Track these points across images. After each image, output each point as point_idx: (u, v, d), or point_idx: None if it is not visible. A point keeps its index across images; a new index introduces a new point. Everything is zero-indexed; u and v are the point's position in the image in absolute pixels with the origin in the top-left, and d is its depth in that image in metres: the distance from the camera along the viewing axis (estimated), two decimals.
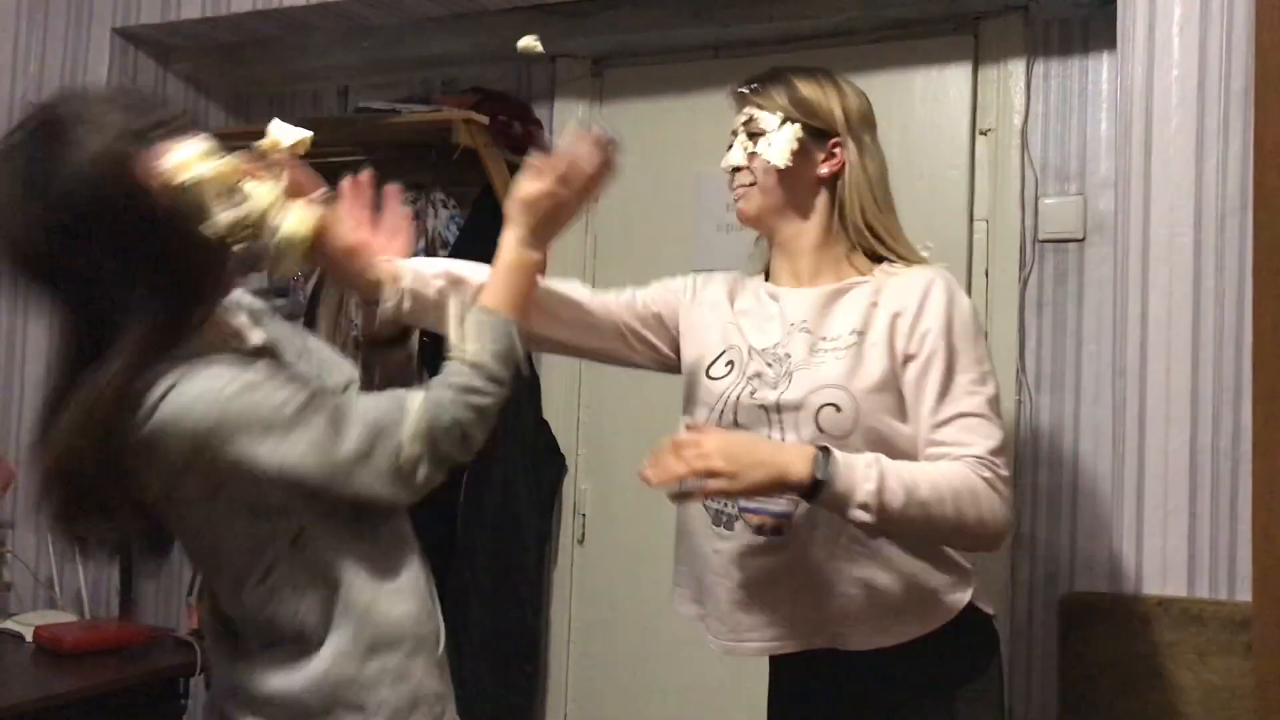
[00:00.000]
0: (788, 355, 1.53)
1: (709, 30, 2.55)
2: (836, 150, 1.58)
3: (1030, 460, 2.30)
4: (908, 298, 1.50)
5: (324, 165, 2.82)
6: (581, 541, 2.70)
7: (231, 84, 3.06)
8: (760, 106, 1.60)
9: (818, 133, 1.58)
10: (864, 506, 1.36)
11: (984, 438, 1.44)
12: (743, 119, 1.61)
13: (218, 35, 2.79)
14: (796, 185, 1.58)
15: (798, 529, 1.47)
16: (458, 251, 2.67)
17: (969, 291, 2.26)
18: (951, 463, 1.43)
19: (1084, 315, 2.29)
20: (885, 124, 2.40)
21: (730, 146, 1.62)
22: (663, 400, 2.52)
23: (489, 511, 2.59)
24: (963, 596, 1.51)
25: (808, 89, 1.60)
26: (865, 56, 2.43)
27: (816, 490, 1.37)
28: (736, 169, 1.61)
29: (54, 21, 2.85)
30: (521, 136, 2.63)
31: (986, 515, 1.41)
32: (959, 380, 1.47)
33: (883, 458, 1.40)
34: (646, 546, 2.51)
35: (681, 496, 1.46)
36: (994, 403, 1.48)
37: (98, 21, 2.80)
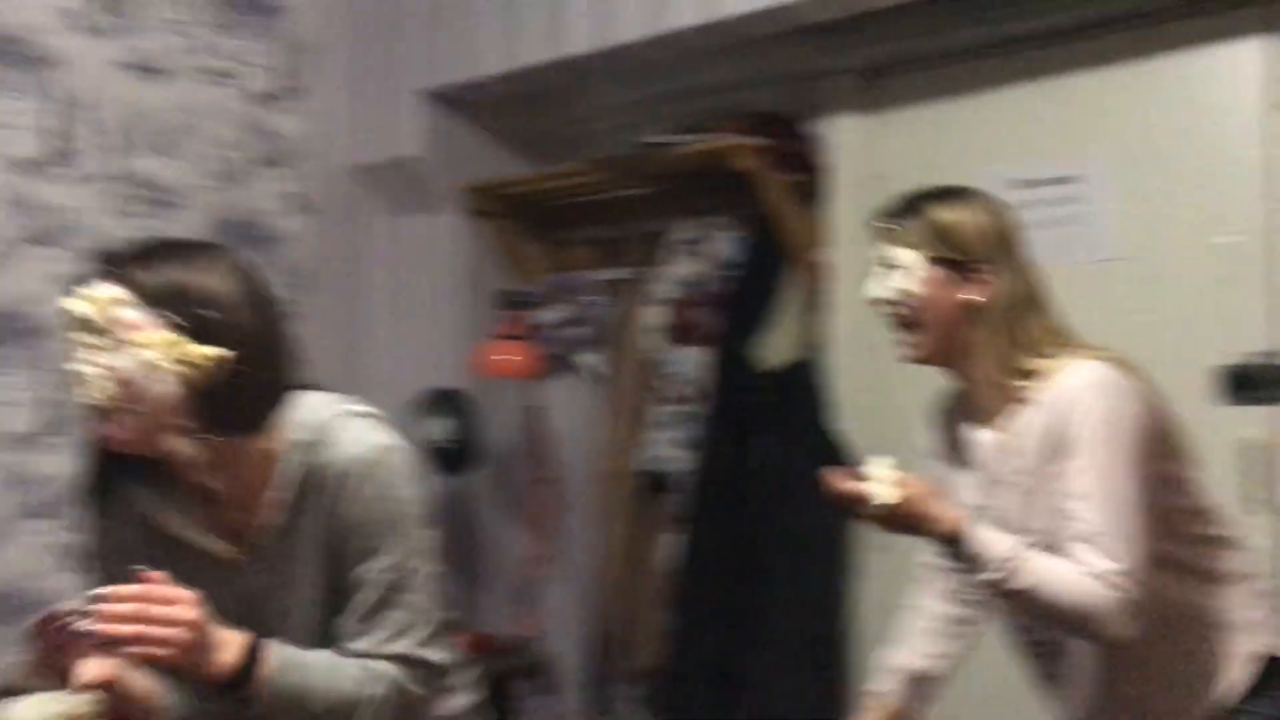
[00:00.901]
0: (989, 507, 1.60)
1: (979, 30, 2.54)
2: (980, 278, 1.58)
3: None
4: (1058, 406, 1.53)
5: (615, 200, 3.06)
6: (884, 548, 2.73)
7: (530, 132, 3.30)
8: (895, 242, 1.62)
9: (956, 263, 1.58)
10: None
11: (1104, 557, 1.46)
12: (880, 252, 1.64)
13: (513, 88, 3.03)
14: (946, 318, 1.59)
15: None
16: (741, 273, 2.78)
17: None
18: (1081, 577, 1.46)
19: None
20: (1167, 108, 2.33)
21: (872, 277, 1.66)
22: None
23: (786, 522, 2.66)
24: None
25: (942, 217, 1.60)
26: (1141, 41, 2.36)
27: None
28: (888, 302, 1.64)
29: (369, 86, 3.17)
30: (797, 156, 2.71)
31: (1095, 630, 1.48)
32: (1085, 490, 1.49)
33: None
34: None
35: None
36: (1119, 511, 1.47)
37: (409, 84, 3.10)
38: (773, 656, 2.60)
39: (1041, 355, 1.57)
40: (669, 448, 2.90)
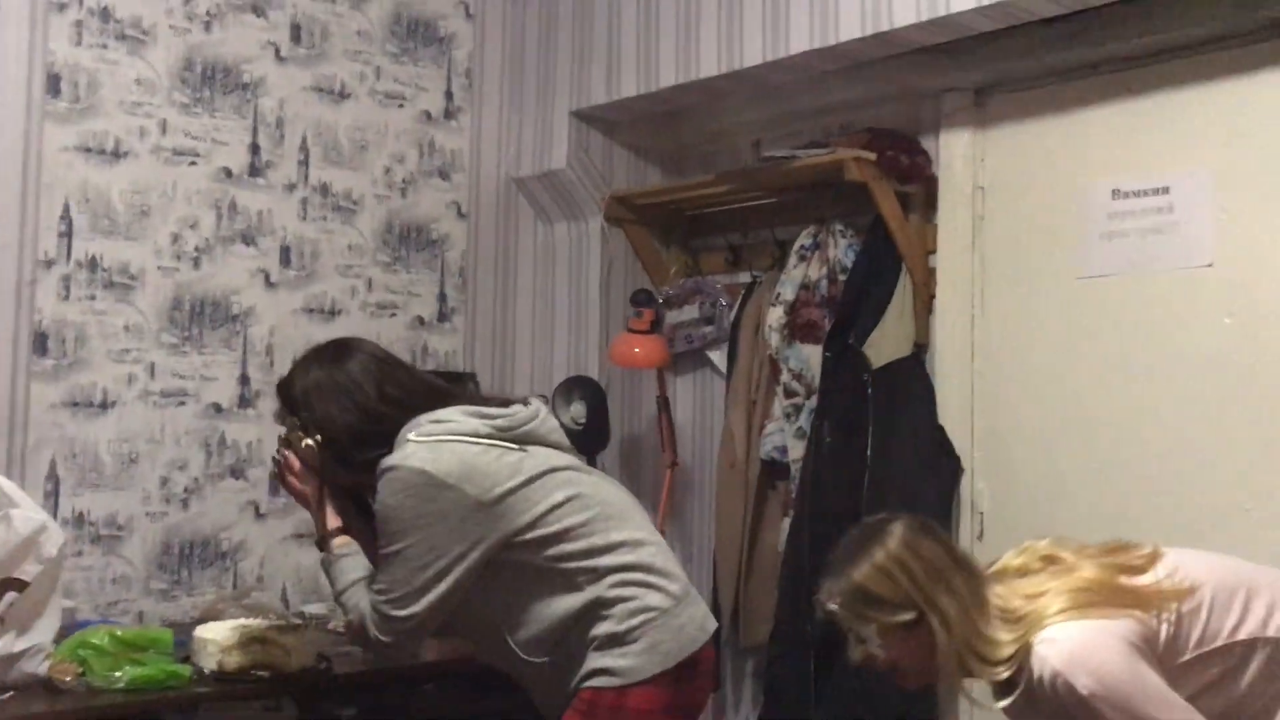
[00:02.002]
0: None
1: (1085, 50, 2.69)
2: (929, 621, 1.78)
3: None
4: (1048, 697, 1.72)
5: (741, 209, 3.31)
6: (980, 538, 2.90)
7: (665, 147, 3.58)
8: (845, 626, 1.85)
9: (905, 623, 1.79)
10: None
11: None
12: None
13: (651, 107, 3.32)
14: (921, 660, 1.80)
15: None
16: (855, 275, 2.99)
17: None
18: None
19: None
20: (1261, 121, 2.42)
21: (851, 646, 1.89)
22: (1059, 405, 2.71)
23: (891, 509, 2.84)
24: None
25: (865, 587, 1.81)
26: (1244, 59, 2.48)
27: None
28: (870, 660, 1.85)
29: (528, 104, 3.51)
30: (908, 168, 2.91)
31: None
32: None
33: None
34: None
35: None
36: None
37: (559, 105, 3.42)
38: None
39: (1011, 629, 1.76)
40: (786, 438, 3.11)
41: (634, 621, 1.97)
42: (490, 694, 2.68)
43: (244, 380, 3.05)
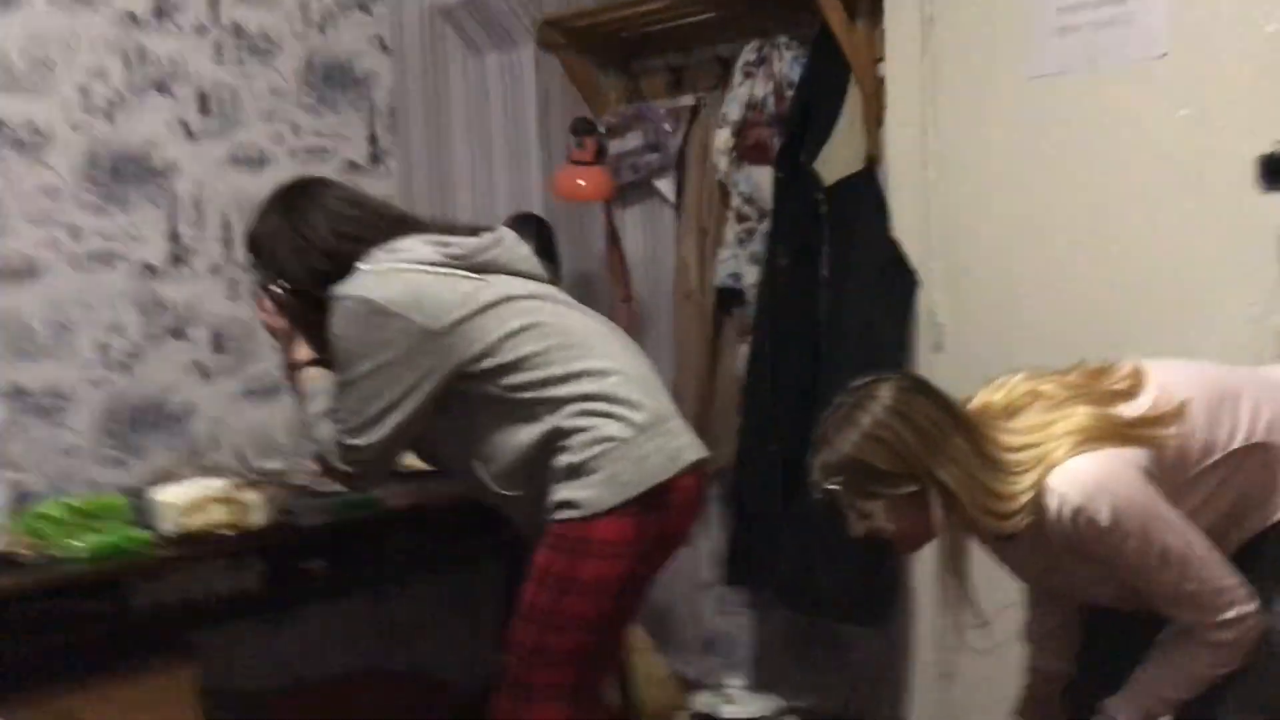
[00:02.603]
0: None
1: None
2: (930, 490, 1.66)
3: None
4: (1067, 533, 1.67)
5: (682, 27, 3.16)
6: (940, 349, 2.89)
7: None
8: (846, 503, 1.71)
9: (910, 494, 1.66)
10: None
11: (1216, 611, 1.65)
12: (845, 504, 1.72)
13: None
14: (928, 528, 1.71)
15: None
16: (802, 90, 2.89)
17: None
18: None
19: None
20: None
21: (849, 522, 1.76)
22: (1014, 211, 2.67)
23: (849, 326, 2.83)
24: None
25: (864, 462, 1.66)
26: None
27: None
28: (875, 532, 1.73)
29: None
30: None
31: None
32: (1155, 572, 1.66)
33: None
34: (1007, 348, 2.65)
35: None
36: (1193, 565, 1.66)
37: None
38: None
39: (1020, 478, 1.67)
40: (740, 264, 3.06)
41: (592, 451, 1.95)
42: (461, 536, 2.68)
43: (174, 238, 2.92)
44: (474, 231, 2.09)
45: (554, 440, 1.96)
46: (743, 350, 3.07)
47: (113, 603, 2.15)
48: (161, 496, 2.25)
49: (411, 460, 2.85)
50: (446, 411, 1.99)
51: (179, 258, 2.93)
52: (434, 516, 2.63)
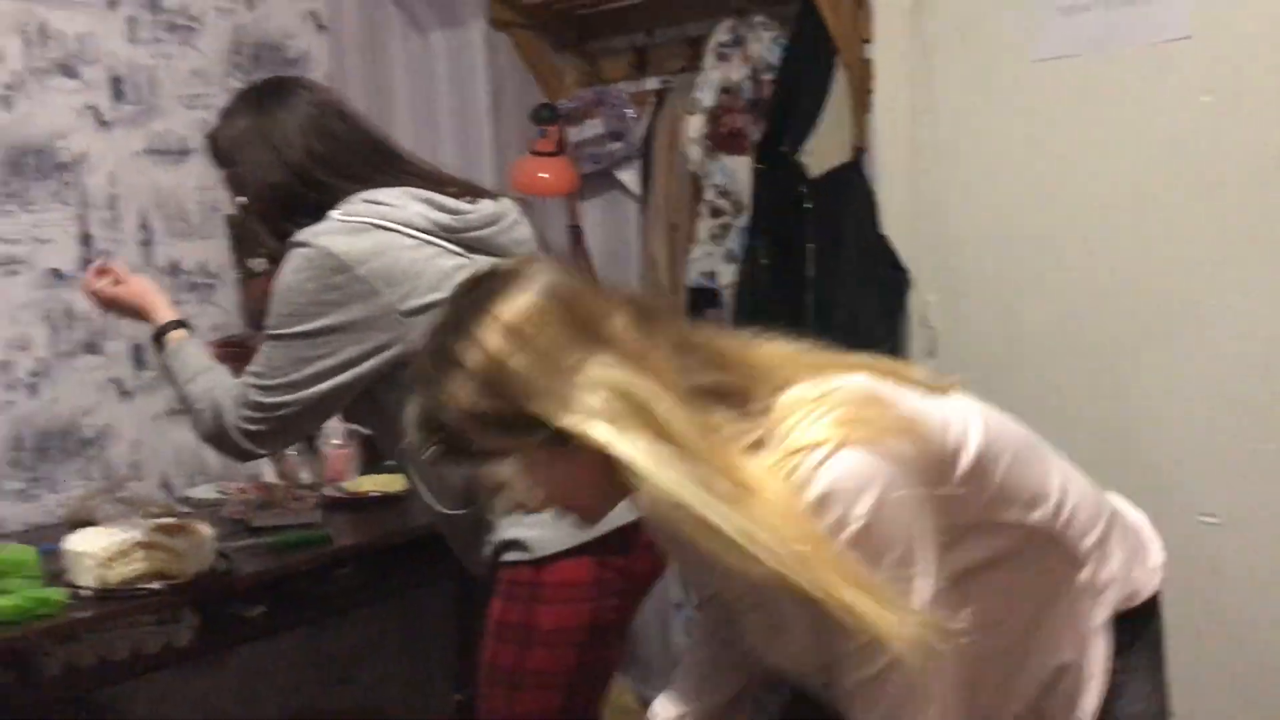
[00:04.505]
0: None
1: None
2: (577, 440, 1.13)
3: None
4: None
5: (641, 4, 2.91)
6: (933, 354, 2.70)
7: None
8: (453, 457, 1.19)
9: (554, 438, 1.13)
10: None
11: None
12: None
13: None
14: (590, 483, 1.19)
15: None
16: (784, 74, 2.67)
17: None
18: None
19: None
20: None
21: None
22: (1014, 206, 2.48)
23: (837, 330, 2.62)
24: None
25: (469, 404, 1.12)
26: None
27: None
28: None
29: None
30: None
31: None
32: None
33: None
34: (1006, 354, 2.48)
35: None
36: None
37: None
38: None
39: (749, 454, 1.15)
40: (715, 261, 2.84)
41: None
42: (404, 572, 2.44)
43: (85, 240, 2.61)
44: (472, 194, 1.82)
45: None
46: None
47: (19, 673, 1.86)
48: (75, 546, 1.95)
49: (355, 485, 2.60)
50: (375, 399, 1.74)
51: (91, 262, 2.60)
52: (377, 554, 2.37)
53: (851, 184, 2.64)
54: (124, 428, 2.65)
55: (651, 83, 3.00)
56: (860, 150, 2.64)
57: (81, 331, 2.59)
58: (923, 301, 2.69)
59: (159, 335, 1.86)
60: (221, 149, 1.84)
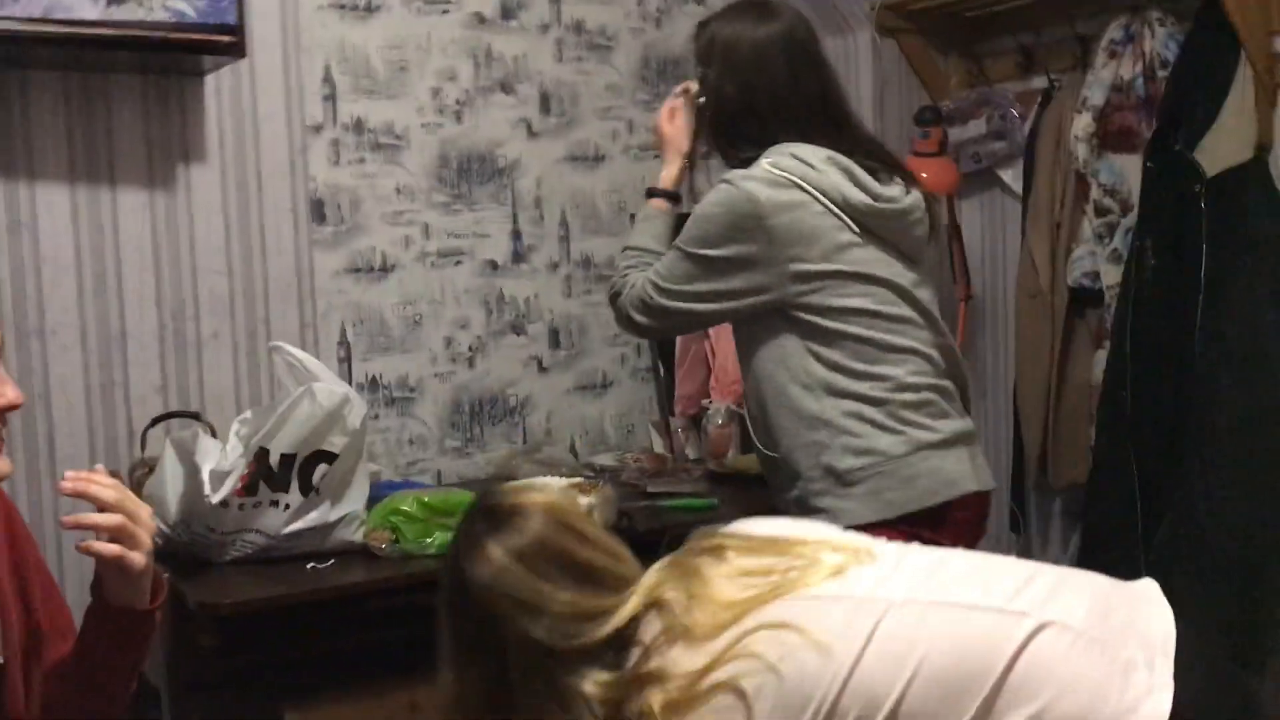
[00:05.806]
0: None
1: None
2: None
3: None
4: None
5: (1029, 4, 2.92)
6: None
7: None
8: None
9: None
10: None
11: None
12: None
13: None
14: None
15: None
16: (1180, 68, 2.60)
17: None
18: None
19: None
20: None
21: None
22: None
23: (1230, 340, 2.51)
24: None
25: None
26: None
27: None
28: None
29: None
30: None
31: None
32: None
33: None
34: None
35: None
36: None
37: None
38: (1205, 482, 2.49)
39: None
40: (1099, 261, 2.80)
41: (854, 463, 1.85)
42: None
43: (516, 235, 2.99)
44: (889, 170, 1.98)
45: (818, 425, 1.88)
46: (1098, 358, 2.81)
47: None
48: None
49: (734, 462, 2.81)
50: (748, 330, 1.99)
51: (519, 255, 2.99)
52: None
53: (1251, 184, 2.52)
54: (541, 399, 3.02)
55: (1038, 81, 3.00)
56: (1264, 148, 2.52)
57: (510, 315, 2.98)
58: None
59: (650, 192, 2.15)
60: (707, 45, 2.01)
